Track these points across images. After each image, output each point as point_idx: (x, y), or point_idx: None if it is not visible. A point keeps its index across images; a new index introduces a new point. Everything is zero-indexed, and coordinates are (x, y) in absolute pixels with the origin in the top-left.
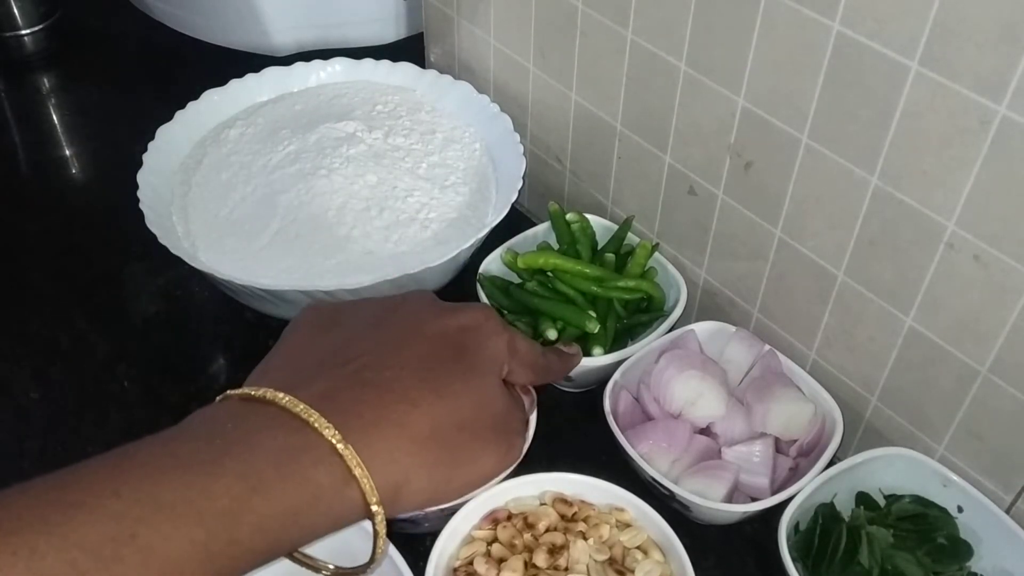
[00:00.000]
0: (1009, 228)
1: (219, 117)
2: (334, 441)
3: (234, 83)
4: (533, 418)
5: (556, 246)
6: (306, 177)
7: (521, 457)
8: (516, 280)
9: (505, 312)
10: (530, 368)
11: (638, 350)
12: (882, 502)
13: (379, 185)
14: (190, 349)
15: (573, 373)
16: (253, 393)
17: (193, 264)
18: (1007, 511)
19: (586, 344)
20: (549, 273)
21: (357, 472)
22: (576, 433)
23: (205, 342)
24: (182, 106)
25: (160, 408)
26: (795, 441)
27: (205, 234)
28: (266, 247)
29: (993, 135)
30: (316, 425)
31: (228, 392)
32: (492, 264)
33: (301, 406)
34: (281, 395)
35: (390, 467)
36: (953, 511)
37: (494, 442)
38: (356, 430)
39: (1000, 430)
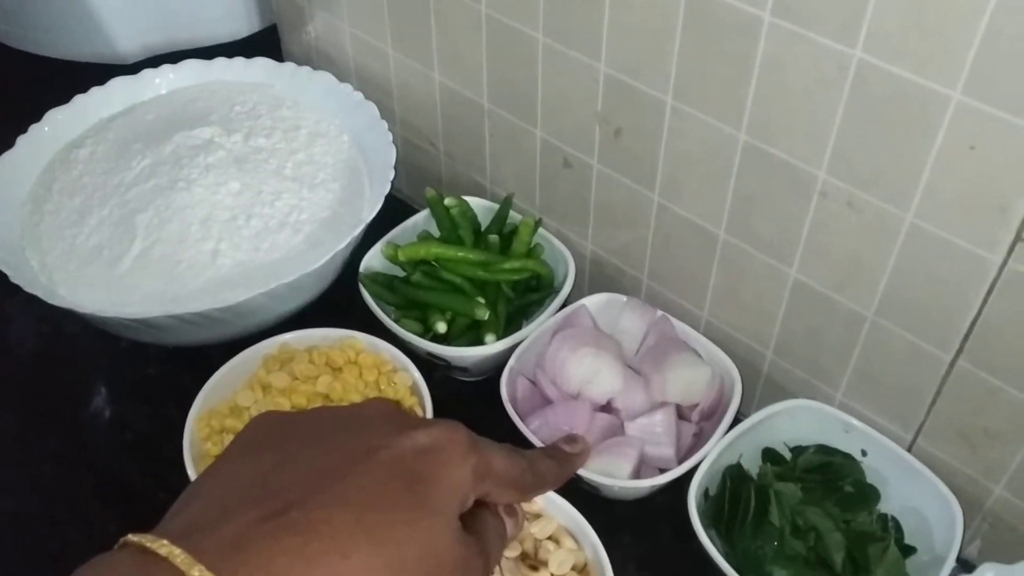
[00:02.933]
0: (877, 171)
1: (66, 137)
2: None
3: (79, 99)
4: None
5: (437, 233)
6: (164, 192)
7: None
8: (400, 274)
9: (393, 309)
10: (513, 487)
11: (531, 332)
12: (788, 455)
13: (243, 192)
14: (67, 387)
15: (469, 363)
16: (149, 545)
17: (52, 301)
18: (908, 449)
19: (478, 332)
20: (433, 263)
21: None
22: (478, 424)
23: (83, 378)
24: (24, 130)
25: (42, 454)
26: (696, 405)
27: (63, 266)
28: (129, 272)
29: (852, 80)
30: None
31: (128, 537)
32: (374, 260)
33: (196, 569)
34: (178, 552)
35: None
36: (857, 455)
37: None
38: None
39: (893, 371)
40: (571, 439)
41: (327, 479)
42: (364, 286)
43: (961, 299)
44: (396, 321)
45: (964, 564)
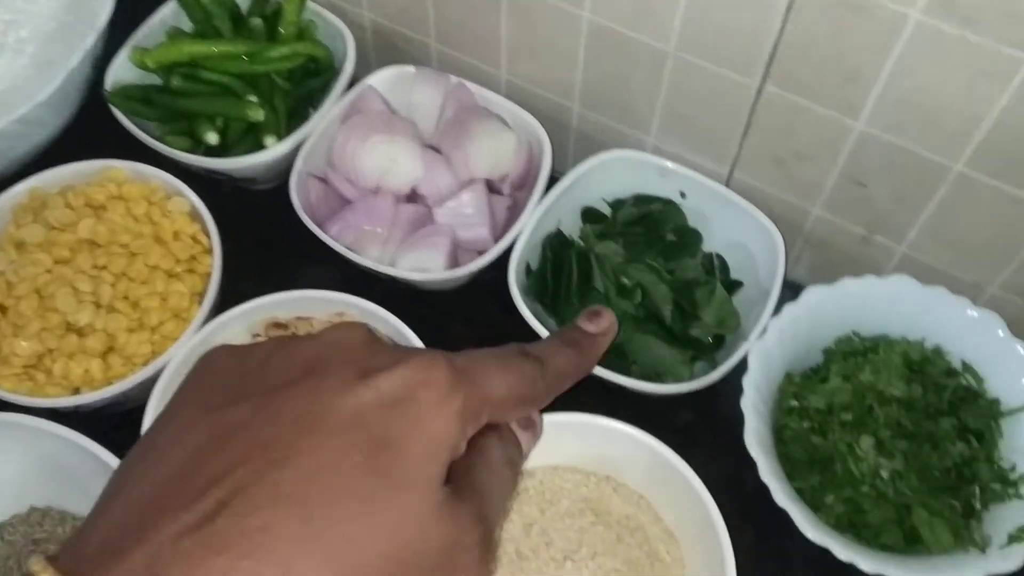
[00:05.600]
0: None
1: None
2: None
3: None
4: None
5: (190, 27)
6: None
7: None
8: (157, 82)
9: (155, 125)
10: (522, 403)
11: (315, 127)
12: (608, 211)
13: None
14: None
15: (252, 173)
16: None
17: None
18: (726, 184)
19: (258, 135)
20: (191, 63)
21: None
22: (279, 240)
23: None
24: None
25: None
26: (506, 176)
27: None
28: None
29: None
30: None
31: (32, 567)
32: (121, 71)
33: None
34: None
35: None
36: (677, 199)
37: None
38: None
39: (702, 105)
40: (593, 314)
41: (266, 461)
42: (114, 104)
43: (761, 20)
44: (160, 139)
45: (795, 290)
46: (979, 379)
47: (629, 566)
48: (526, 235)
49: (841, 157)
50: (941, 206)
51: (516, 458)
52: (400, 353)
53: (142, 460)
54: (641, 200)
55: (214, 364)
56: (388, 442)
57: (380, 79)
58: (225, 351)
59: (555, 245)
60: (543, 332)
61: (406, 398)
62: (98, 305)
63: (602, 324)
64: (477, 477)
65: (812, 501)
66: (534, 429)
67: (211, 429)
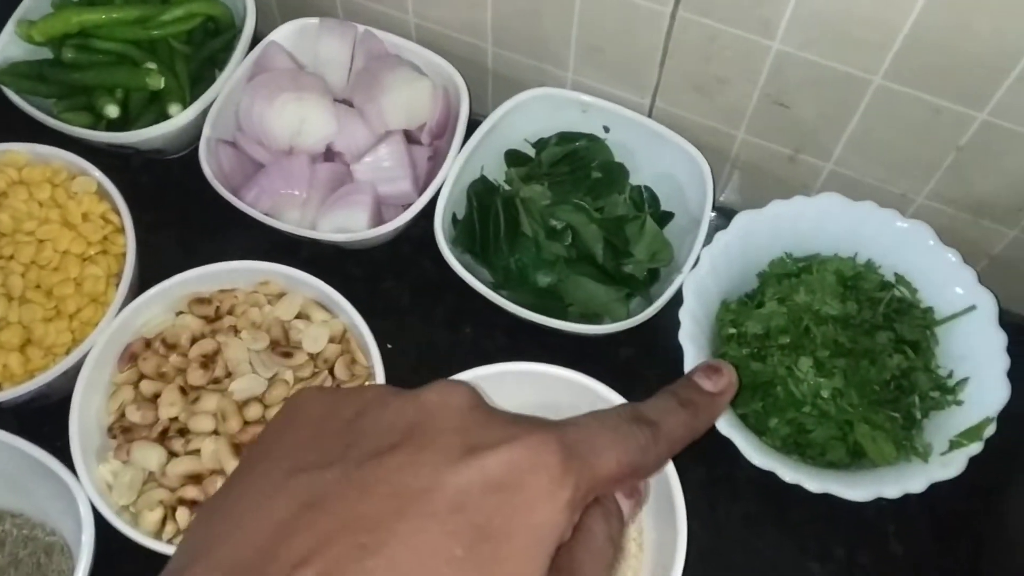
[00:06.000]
0: None
1: None
2: None
3: None
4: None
5: None
6: None
7: None
8: (49, 56)
9: (53, 102)
10: (633, 476)
11: (220, 90)
12: (532, 152)
13: None
14: None
15: (158, 144)
16: None
17: None
18: (649, 115)
19: (162, 103)
20: (83, 34)
21: None
22: (198, 210)
23: None
24: None
25: None
26: (423, 125)
27: None
28: None
29: None
30: None
31: None
32: (9, 47)
33: None
34: None
35: None
36: (600, 134)
37: None
38: None
39: (617, 36)
40: (711, 370)
41: (356, 545)
42: (4, 83)
43: None
44: (58, 117)
45: (727, 216)
46: (912, 290)
47: None
48: (450, 184)
49: (761, 79)
50: (864, 120)
51: (617, 534)
52: (509, 427)
53: (221, 522)
54: (565, 138)
55: (302, 411)
56: (491, 532)
57: (284, 34)
58: (316, 395)
59: (480, 192)
60: (475, 284)
61: (514, 483)
62: (9, 297)
63: (721, 383)
64: (578, 562)
65: (756, 426)
66: (639, 496)
67: (297, 496)
